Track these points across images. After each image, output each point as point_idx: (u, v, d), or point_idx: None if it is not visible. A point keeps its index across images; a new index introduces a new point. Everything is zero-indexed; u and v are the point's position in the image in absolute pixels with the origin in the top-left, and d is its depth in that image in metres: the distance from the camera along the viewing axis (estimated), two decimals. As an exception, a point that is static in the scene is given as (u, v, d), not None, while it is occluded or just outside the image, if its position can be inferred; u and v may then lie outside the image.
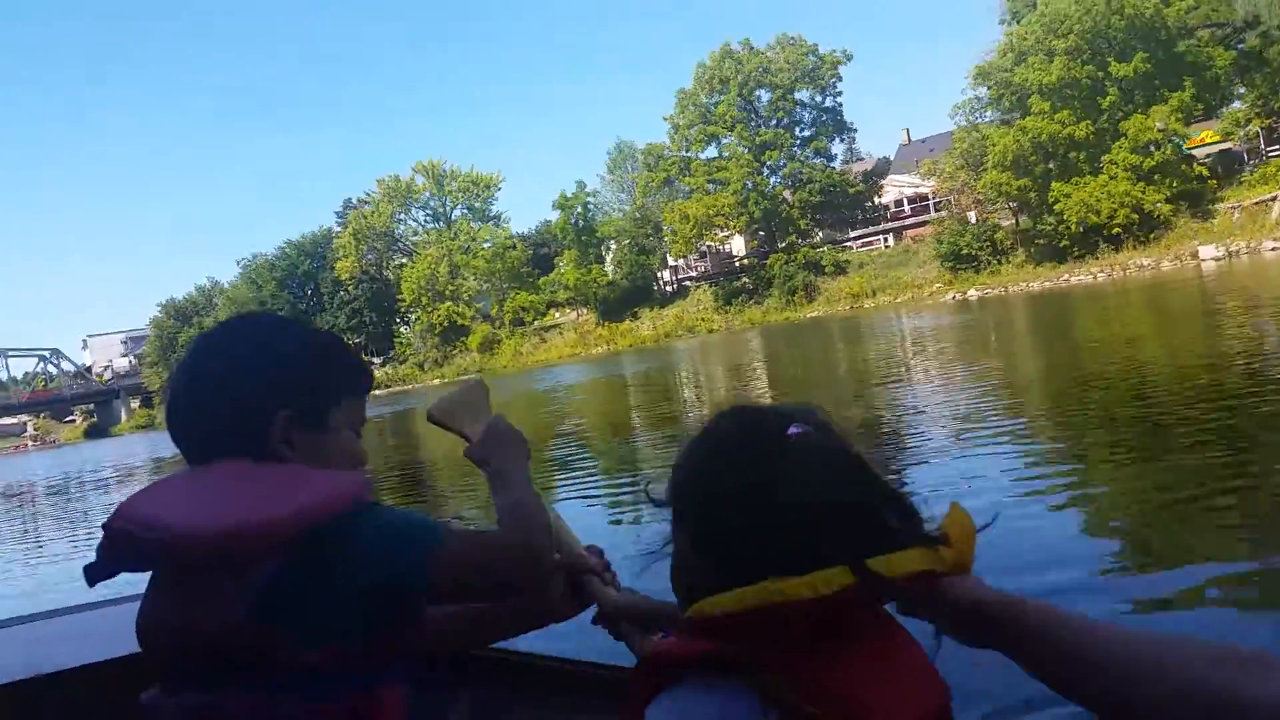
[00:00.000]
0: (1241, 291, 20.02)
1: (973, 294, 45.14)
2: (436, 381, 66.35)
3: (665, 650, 0.98)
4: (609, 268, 68.90)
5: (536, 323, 70.93)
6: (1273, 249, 34.78)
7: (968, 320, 27.39)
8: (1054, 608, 0.97)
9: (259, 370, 1.30)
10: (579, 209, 68.71)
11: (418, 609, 1.28)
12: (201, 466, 1.27)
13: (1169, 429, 7.17)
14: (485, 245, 73.33)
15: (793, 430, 0.98)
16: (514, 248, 73.04)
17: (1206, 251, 37.42)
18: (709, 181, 62.18)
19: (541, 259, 75.28)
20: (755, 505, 0.95)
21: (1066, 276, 43.05)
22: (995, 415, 9.10)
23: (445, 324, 71.71)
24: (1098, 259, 43.68)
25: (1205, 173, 43.95)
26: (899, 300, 50.56)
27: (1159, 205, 42.95)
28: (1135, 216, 43.08)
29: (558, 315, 72.44)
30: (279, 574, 1.14)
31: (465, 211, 77.43)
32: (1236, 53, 43.41)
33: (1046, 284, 42.76)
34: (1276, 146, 45.56)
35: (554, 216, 71.88)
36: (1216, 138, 46.20)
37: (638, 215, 67.19)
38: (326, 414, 1.34)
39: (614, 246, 68.70)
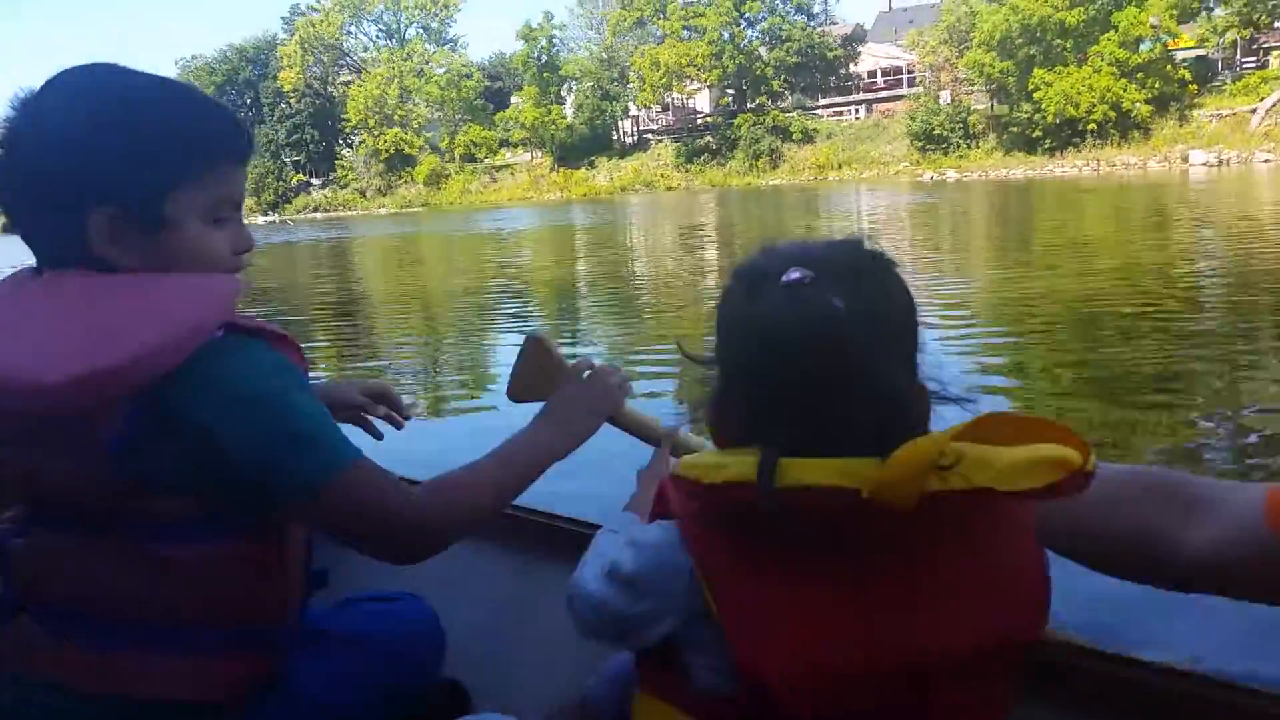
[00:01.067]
0: (1231, 202, 19.48)
1: (950, 175, 44.24)
2: (382, 210, 63.99)
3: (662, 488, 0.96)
4: (569, 111, 66.19)
5: (488, 160, 68.25)
6: (1266, 160, 34.37)
7: (930, 201, 26.71)
8: None
9: (60, 155, 1.02)
10: (543, 42, 65.33)
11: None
12: (27, 279, 1.07)
13: (1105, 335, 6.83)
14: (440, 71, 69.72)
15: (789, 276, 0.86)
16: (470, 77, 69.52)
17: (1197, 156, 36.89)
18: (684, 28, 59.29)
19: (496, 94, 71.98)
20: (723, 356, 0.92)
21: (1050, 168, 42.25)
22: (933, 310, 8.52)
23: (391, 151, 68.61)
24: (1078, 152, 42.92)
25: (1187, 76, 43.10)
26: (864, 175, 49.56)
27: (1138, 105, 42.08)
28: (1113, 114, 42.23)
29: (510, 155, 69.78)
30: (126, 429, 0.99)
31: (421, 31, 73.21)
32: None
33: (1029, 172, 41.94)
34: (1252, 58, 44.98)
35: (514, 48, 68.44)
36: (1192, 43, 45.14)
37: (605, 56, 64.16)
38: (158, 205, 1.05)
39: (576, 88, 65.81)
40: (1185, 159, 37.35)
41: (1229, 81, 43.75)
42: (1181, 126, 41.77)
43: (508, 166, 68.26)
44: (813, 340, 0.83)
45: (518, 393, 1.47)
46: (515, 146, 69.75)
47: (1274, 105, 38.64)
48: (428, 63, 70.63)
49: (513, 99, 70.59)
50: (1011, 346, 6.71)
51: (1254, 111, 39.08)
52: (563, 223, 29.88)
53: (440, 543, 1.14)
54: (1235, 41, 44.52)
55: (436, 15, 72.25)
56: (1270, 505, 0.75)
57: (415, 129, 68.99)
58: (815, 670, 0.85)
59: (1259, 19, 42.45)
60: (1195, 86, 43.23)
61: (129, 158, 1.03)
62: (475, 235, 27.58)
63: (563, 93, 66.79)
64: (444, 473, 1.18)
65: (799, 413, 0.85)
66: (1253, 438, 4.29)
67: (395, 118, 68.85)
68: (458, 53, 72.59)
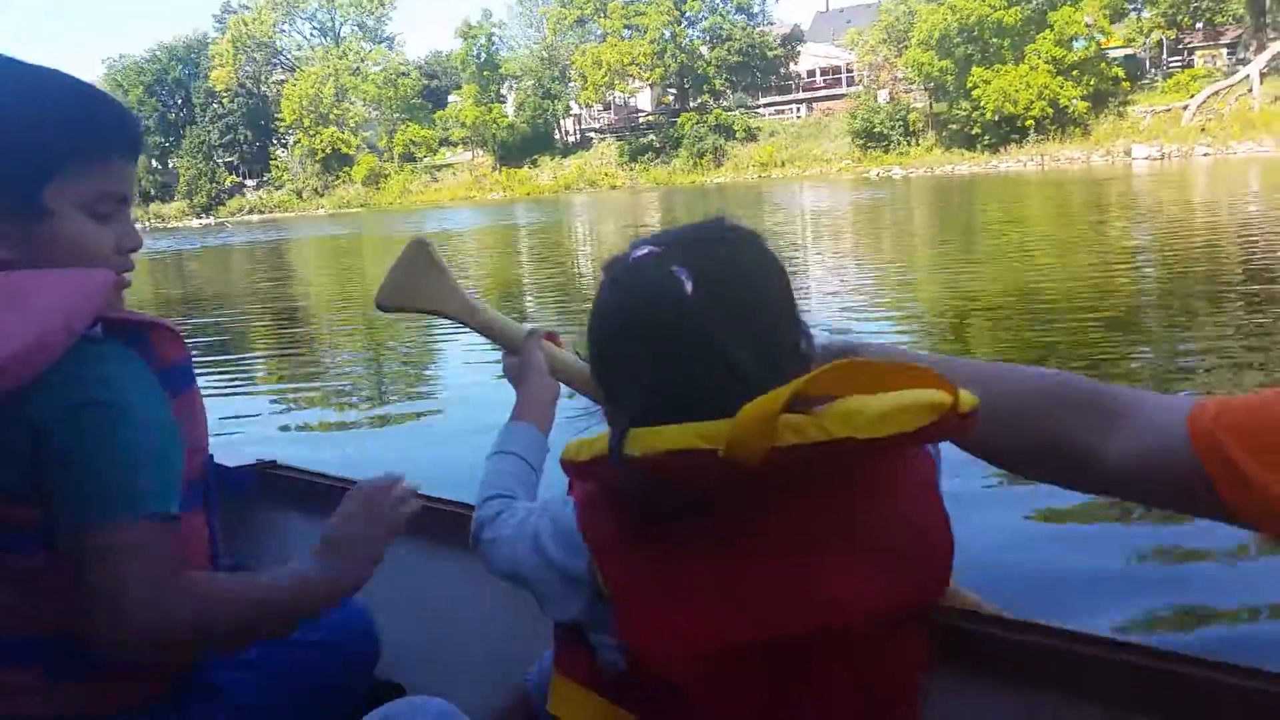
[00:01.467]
0: (1171, 192, 19.72)
1: (896, 171, 44.52)
2: (320, 211, 62.66)
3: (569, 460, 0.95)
4: (510, 109, 65.46)
5: (427, 159, 67.21)
6: (1205, 153, 35.10)
7: (876, 198, 26.76)
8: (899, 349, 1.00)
9: None
10: (483, 40, 64.55)
11: None
12: None
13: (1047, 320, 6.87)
14: (376, 69, 68.49)
15: (636, 253, 0.88)
16: (408, 75, 68.45)
17: (1139, 150, 37.43)
18: (625, 26, 58.95)
19: (434, 92, 70.93)
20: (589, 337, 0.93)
21: (995, 163, 42.56)
22: (881, 301, 8.57)
23: (328, 151, 67.11)
24: (1020, 148, 43.34)
25: (1120, 74, 43.96)
26: (807, 173, 49.72)
27: (1075, 102, 42.80)
28: (1050, 110, 42.88)
29: (450, 155, 68.80)
30: None
31: (356, 29, 71.85)
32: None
33: (974, 168, 42.25)
34: (1177, 58, 46.41)
35: (452, 46, 67.61)
36: (1121, 42, 46.13)
37: (545, 55, 63.58)
38: (34, 195, 1.02)
39: (517, 87, 65.10)
40: (1128, 153, 37.90)
41: (1159, 79, 44.79)
42: (1120, 120, 42.56)
43: (449, 166, 67.28)
44: (654, 311, 0.83)
45: (388, 298, 1.36)
46: (455, 145, 68.81)
47: (1204, 101, 39.54)
48: (364, 60, 69.37)
49: (450, 98, 69.67)
50: (953, 334, 6.65)
51: (1185, 108, 39.94)
52: (506, 222, 29.44)
53: (154, 656, 1.03)
54: (1161, 41, 45.66)
55: (372, 13, 70.95)
56: (1193, 419, 0.74)
57: (352, 128, 67.66)
58: (696, 645, 0.83)
59: (1182, 20, 43.67)
60: (1128, 84, 44.13)
61: (3, 145, 1.00)
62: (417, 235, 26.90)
63: (503, 91, 66.06)
64: (214, 584, 1.06)
65: (652, 383, 0.84)
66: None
67: (331, 117, 67.42)
68: (394, 51, 71.49)
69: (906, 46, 47.93)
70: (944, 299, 8.17)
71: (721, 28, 58.04)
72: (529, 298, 11.36)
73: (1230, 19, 45.66)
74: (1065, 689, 1.08)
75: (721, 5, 59.15)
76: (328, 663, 1.33)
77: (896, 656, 0.90)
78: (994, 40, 44.54)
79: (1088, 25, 42.20)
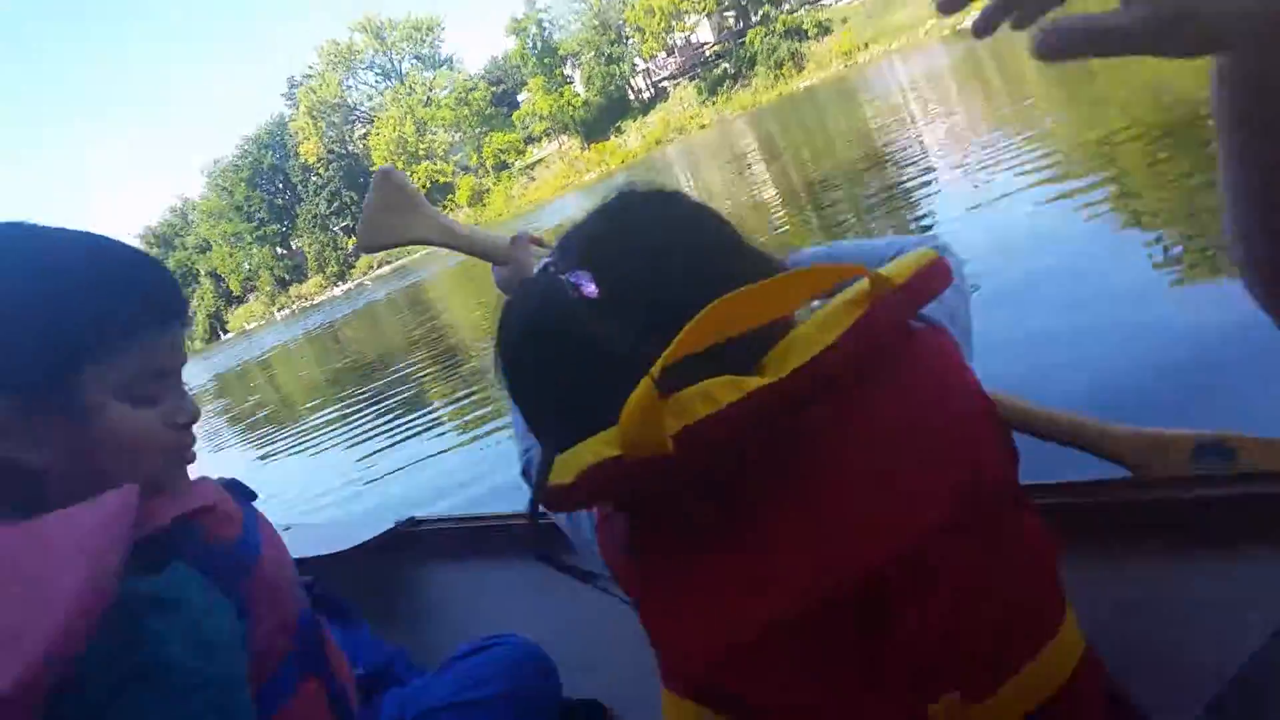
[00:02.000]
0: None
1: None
2: (446, 251, 64.03)
3: None
4: (579, 87, 65.26)
5: (519, 162, 67.92)
6: None
7: (967, 53, 24.88)
8: None
9: None
10: (534, 29, 64.42)
11: None
12: None
13: None
14: (444, 93, 69.55)
15: (539, 264, 0.81)
16: (475, 88, 69.17)
17: None
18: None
19: (504, 96, 71.41)
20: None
21: None
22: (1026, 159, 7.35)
23: (428, 185, 68.74)
24: None
25: None
26: (894, 48, 47.37)
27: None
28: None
29: (536, 151, 69.28)
30: None
31: (415, 62, 73.13)
32: None
33: None
34: None
35: (507, 46, 67.77)
36: None
37: (597, 23, 62.91)
38: (65, 390, 0.89)
39: (581, 62, 64.78)
40: None
41: None
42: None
43: (540, 161, 67.80)
44: (549, 326, 0.75)
45: (367, 239, 1.31)
46: (539, 140, 69.20)
47: None
48: (431, 89, 70.52)
49: (520, 96, 69.93)
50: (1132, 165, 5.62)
51: None
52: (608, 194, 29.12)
53: None
54: None
55: (424, 41, 72.05)
56: None
57: (442, 155, 69.09)
58: (731, 640, 0.73)
59: None
60: None
61: (22, 336, 0.88)
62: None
63: (567, 71, 65.85)
64: None
65: (569, 406, 0.76)
66: None
67: (419, 152, 69.02)
68: (455, 69, 72.28)
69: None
70: (1084, 134, 7.25)
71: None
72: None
73: None
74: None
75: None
76: (519, 704, 1.31)
77: (996, 555, 0.75)
78: None
79: None
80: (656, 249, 0.76)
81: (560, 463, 0.73)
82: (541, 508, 0.80)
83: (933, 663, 0.72)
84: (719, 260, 0.77)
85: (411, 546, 2.16)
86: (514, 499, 1.93)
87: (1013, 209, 5.41)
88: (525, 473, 1.06)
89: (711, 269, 0.75)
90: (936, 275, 0.74)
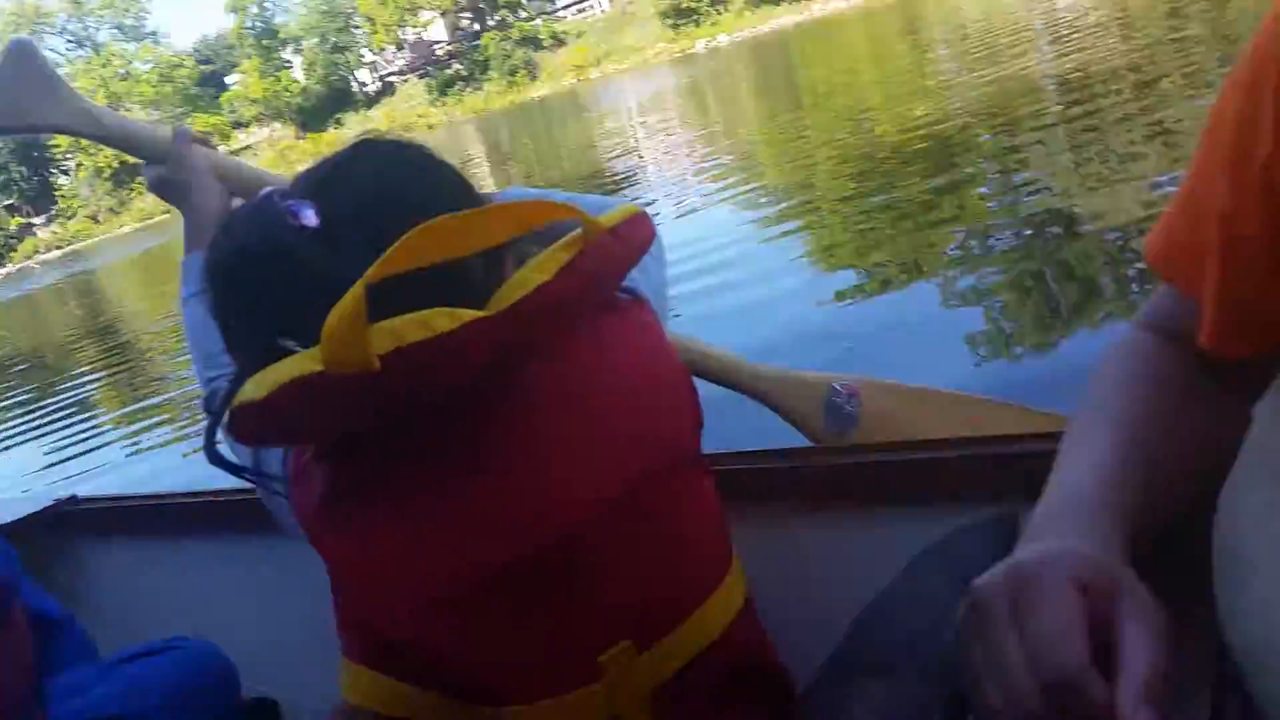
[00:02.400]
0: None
1: (722, 39, 42.76)
2: (124, 229, 57.78)
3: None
4: (298, 73, 61.21)
5: (222, 147, 62.16)
6: None
7: (690, 78, 25.70)
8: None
9: None
10: (254, 9, 59.81)
11: None
12: None
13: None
14: (146, 67, 62.96)
15: (258, 194, 0.76)
16: (182, 66, 63.11)
17: None
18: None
19: (213, 77, 65.60)
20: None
21: (820, 8, 40.91)
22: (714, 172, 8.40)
23: (115, 165, 61.70)
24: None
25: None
26: (625, 66, 47.97)
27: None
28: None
29: (243, 136, 64.14)
30: None
31: (115, 32, 65.72)
32: None
33: (797, 18, 40.58)
34: None
35: (223, 24, 62.50)
36: None
37: (326, 8, 59.35)
38: None
39: (304, 48, 60.80)
40: None
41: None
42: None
43: (247, 147, 62.77)
44: (260, 248, 0.72)
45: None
46: (249, 124, 64.18)
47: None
48: (131, 62, 63.68)
49: (230, 78, 64.72)
50: (809, 207, 6.11)
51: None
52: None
53: None
54: None
55: (127, 12, 64.89)
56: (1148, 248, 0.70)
57: (136, 134, 62.30)
58: (411, 595, 0.72)
59: None
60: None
61: None
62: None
63: (287, 56, 61.66)
64: None
65: (271, 326, 0.71)
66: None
67: (110, 128, 61.90)
68: (162, 45, 65.67)
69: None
70: (787, 164, 7.89)
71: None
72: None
73: None
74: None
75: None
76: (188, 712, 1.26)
77: (676, 514, 0.79)
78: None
79: None
80: (383, 185, 0.75)
81: (254, 382, 0.67)
82: (226, 451, 0.78)
83: (610, 614, 0.75)
84: (445, 200, 0.74)
85: (70, 529, 2.02)
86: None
87: (709, 217, 6.29)
88: (208, 403, 0.96)
89: (438, 207, 0.70)
90: (643, 227, 0.76)
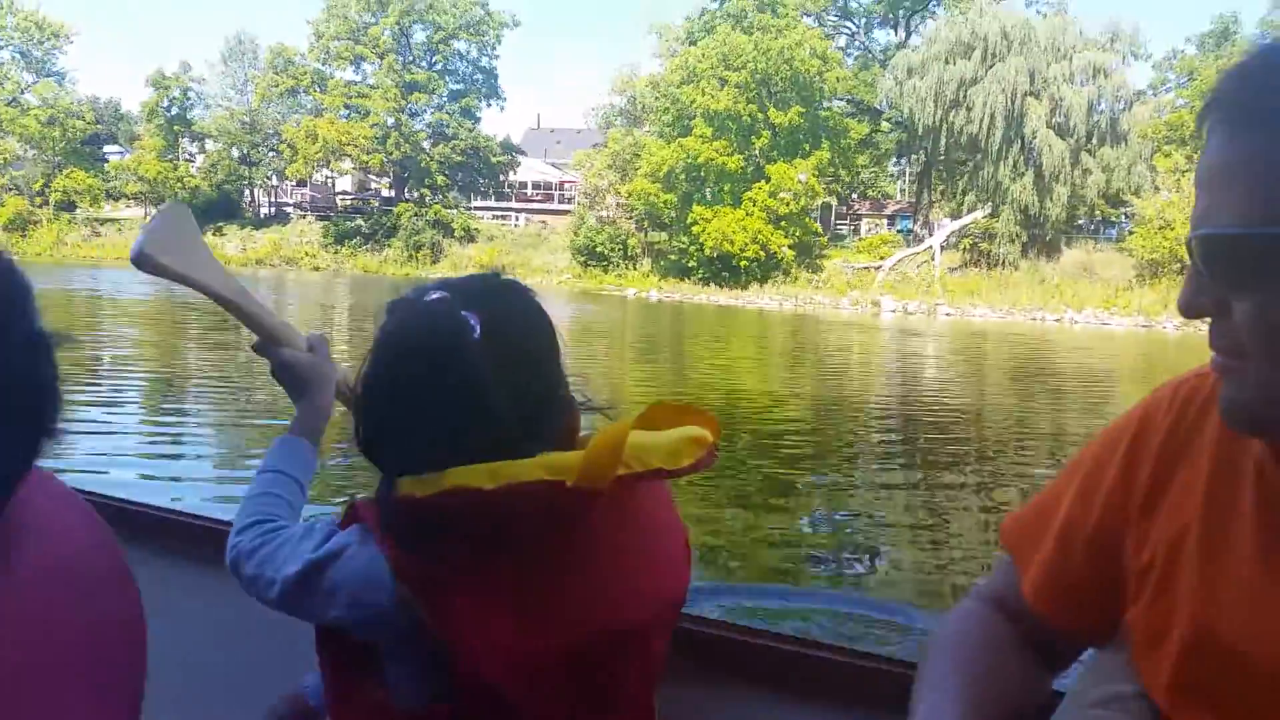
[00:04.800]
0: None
1: (652, 295, 44.20)
2: None
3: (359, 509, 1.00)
4: (195, 170, 59.54)
5: (88, 211, 58.92)
6: (947, 313, 37.92)
7: (579, 313, 26.68)
8: None
9: None
10: (176, 93, 58.69)
11: None
12: None
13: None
14: (38, 103, 59.82)
15: (428, 296, 0.97)
16: (80, 116, 60.36)
17: (887, 303, 39.55)
18: (345, 105, 56.06)
19: (94, 139, 62.37)
20: (367, 372, 0.97)
21: (752, 298, 43.16)
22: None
23: (-35, 188, 57.04)
24: (761, 287, 44.86)
25: (818, 229, 48.04)
26: (527, 280, 48.63)
27: (784, 249, 45.85)
28: (762, 254, 45.59)
29: (109, 209, 60.75)
30: None
31: (17, 55, 62.67)
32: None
33: (730, 300, 42.76)
34: (843, 221, 53.14)
35: (119, 94, 60.73)
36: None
37: (247, 119, 58.81)
38: None
39: (213, 149, 59.48)
40: (877, 304, 40.03)
41: (853, 239, 49.64)
42: (814, 274, 46.06)
43: (113, 220, 59.46)
44: (445, 350, 0.90)
45: (153, 255, 1.23)
46: (127, 199, 61.11)
47: (894, 264, 43.99)
48: (24, 92, 60.47)
49: (108, 148, 62.12)
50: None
51: (879, 268, 44.21)
52: (177, 295, 25.85)
53: None
54: (831, 205, 51.02)
55: (40, 43, 62.30)
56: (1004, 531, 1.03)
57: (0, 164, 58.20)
58: (522, 652, 0.92)
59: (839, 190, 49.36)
60: (825, 239, 48.26)
61: None
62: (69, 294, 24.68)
63: (192, 150, 60.11)
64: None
65: (433, 422, 0.91)
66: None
67: (-29, 149, 57.61)
68: (64, 88, 62.91)
69: (631, 175, 49.41)
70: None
71: (446, 125, 56.88)
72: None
73: (881, 194, 53.62)
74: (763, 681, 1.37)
75: (449, 104, 58.14)
76: None
77: (661, 654, 1.06)
78: (715, 184, 47.03)
79: (800, 182, 45.67)
80: (528, 318, 0.98)
81: (454, 474, 0.88)
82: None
83: (632, 703, 1.02)
84: (555, 346, 1.00)
85: None
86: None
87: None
88: (242, 560, 1.07)
89: (554, 349, 0.99)
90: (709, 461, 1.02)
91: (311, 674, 1.21)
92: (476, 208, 59.13)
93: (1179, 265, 38.13)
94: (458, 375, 0.89)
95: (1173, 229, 37.90)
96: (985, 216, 44.20)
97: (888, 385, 13.53)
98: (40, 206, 57.82)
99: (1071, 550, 0.91)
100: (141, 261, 1.23)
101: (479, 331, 0.89)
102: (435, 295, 0.93)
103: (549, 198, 60.52)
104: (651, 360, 15.09)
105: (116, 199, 61.09)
